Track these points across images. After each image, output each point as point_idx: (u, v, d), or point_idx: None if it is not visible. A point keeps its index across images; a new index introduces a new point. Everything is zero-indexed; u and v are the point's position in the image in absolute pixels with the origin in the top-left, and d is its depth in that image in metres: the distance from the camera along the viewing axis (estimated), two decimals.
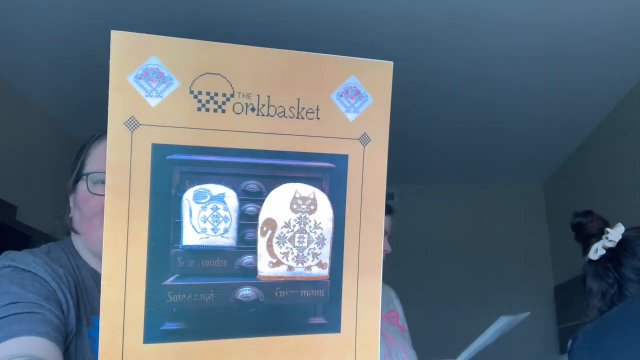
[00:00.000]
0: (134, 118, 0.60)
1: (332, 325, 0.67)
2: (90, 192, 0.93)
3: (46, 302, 0.79)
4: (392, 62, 0.68)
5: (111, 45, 0.59)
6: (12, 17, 2.45)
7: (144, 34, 0.60)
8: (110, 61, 0.59)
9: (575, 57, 2.99)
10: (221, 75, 0.63)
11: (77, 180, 0.97)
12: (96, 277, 0.95)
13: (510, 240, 4.83)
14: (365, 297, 0.68)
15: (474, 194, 4.92)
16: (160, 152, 0.61)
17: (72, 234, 0.99)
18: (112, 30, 0.59)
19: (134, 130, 0.60)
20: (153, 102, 0.61)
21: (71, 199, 0.98)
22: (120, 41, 0.60)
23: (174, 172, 0.62)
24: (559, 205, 4.69)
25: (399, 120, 3.61)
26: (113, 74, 0.59)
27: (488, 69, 3.11)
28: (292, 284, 0.66)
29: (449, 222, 4.90)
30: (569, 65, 3.06)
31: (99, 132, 0.97)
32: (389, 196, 4.74)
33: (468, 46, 2.87)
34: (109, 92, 0.59)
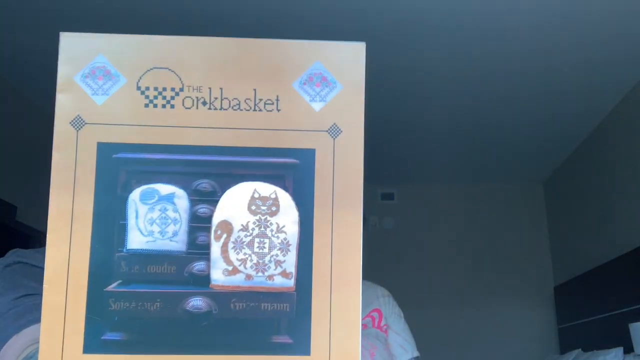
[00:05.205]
0: (80, 117, 0.59)
1: (300, 346, 0.58)
2: None
3: None
4: (364, 43, 0.60)
5: (59, 47, 0.59)
6: (13, 16, 2.62)
7: (92, 33, 0.60)
8: (58, 62, 0.59)
9: (575, 58, 2.96)
10: (169, 69, 0.60)
11: None
12: None
13: (510, 240, 4.83)
14: (340, 314, 0.58)
15: (473, 194, 4.92)
16: (105, 151, 0.59)
17: None
18: (60, 32, 0.59)
19: (79, 129, 0.59)
20: (99, 100, 0.59)
21: None
22: (68, 42, 0.60)
23: (120, 171, 0.59)
24: (559, 205, 4.69)
25: (400, 120, 3.69)
26: (60, 75, 0.59)
27: (488, 70, 3.11)
28: (251, 296, 0.58)
29: (449, 222, 4.91)
30: (569, 65, 3.03)
31: None
32: (389, 196, 4.71)
33: (468, 46, 2.88)
34: (56, 93, 0.59)
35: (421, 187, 4.94)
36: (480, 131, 3.90)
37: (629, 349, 3.13)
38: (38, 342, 0.71)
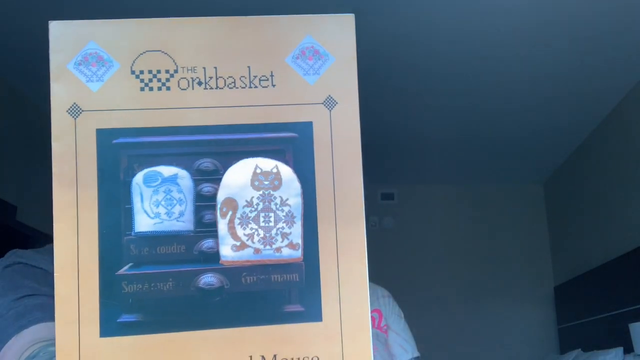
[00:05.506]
0: (76, 105, 0.59)
1: (312, 313, 0.59)
2: None
3: None
4: (352, 14, 0.61)
5: (50, 36, 0.59)
6: (13, 16, 2.55)
7: (81, 20, 0.60)
8: (49, 52, 0.59)
9: (575, 58, 2.97)
10: (162, 52, 0.60)
11: None
12: None
13: (510, 241, 4.85)
14: (348, 280, 0.60)
15: (473, 194, 4.93)
16: (105, 137, 0.59)
17: None
18: (49, 21, 0.59)
19: (77, 117, 0.59)
20: (94, 86, 0.59)
21: None
22: (58, 30, 0.59)
23: (121, 156, 0.59)
24: (559, 205, 4.70)
25: (400, 120, 3.70)
26: (53, 64, 0.59)
27: (489, 70, 3.11)
28: (261, 269, 0.60)
29: (449, 222, 4.91)
30: (569, 65, 3.04)
31: None
32: (389, 196, 4.83)
33: (468, 45, 2.87)
34: (50, 83, 0.59)
35: (421, 187, 4.90)
36: (480, 131, 3.88)
37: (629, 349, 3.13)
38: (38, 342, 0.71)
